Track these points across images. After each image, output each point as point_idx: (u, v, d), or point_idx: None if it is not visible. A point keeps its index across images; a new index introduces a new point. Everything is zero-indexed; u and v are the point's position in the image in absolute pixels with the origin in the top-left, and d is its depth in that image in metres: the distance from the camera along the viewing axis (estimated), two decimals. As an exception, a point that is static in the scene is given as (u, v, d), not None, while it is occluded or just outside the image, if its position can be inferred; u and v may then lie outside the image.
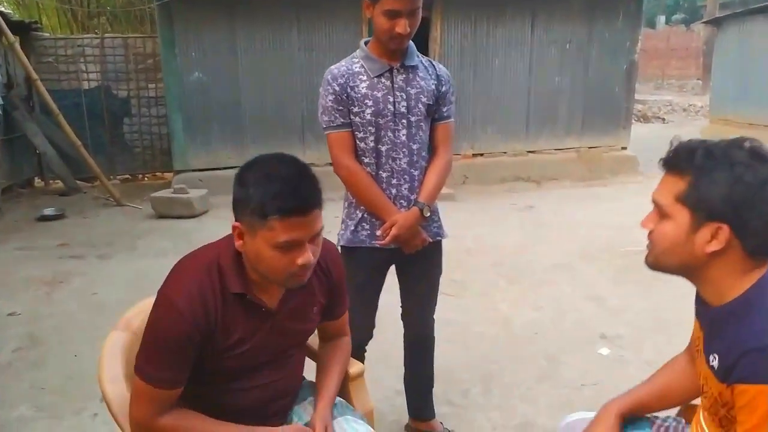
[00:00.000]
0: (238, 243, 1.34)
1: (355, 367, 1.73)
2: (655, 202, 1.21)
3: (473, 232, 5.54)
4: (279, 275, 1.33)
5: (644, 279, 4.21)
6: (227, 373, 1.42)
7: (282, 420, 1.56)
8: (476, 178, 7.68)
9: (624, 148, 8.29)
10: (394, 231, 2.02)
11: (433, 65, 2.14)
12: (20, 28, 7.36)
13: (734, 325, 1.14)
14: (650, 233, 1.23)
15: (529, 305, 3.86)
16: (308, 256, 1.32)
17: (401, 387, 2.55)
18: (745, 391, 1.07)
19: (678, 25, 26.22)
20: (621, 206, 6.37)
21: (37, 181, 7.99)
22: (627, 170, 8.08)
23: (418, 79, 2.05)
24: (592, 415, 1.53)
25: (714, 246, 1.13)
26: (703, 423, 1.30)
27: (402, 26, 1.91)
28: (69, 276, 4.49)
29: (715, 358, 1.16)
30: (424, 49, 7.46)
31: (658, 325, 3.49)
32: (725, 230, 1.11)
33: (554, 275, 4.40)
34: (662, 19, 27.96)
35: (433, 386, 2.51)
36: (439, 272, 2.34)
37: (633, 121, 10.91)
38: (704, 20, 16.48)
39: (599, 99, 8.04)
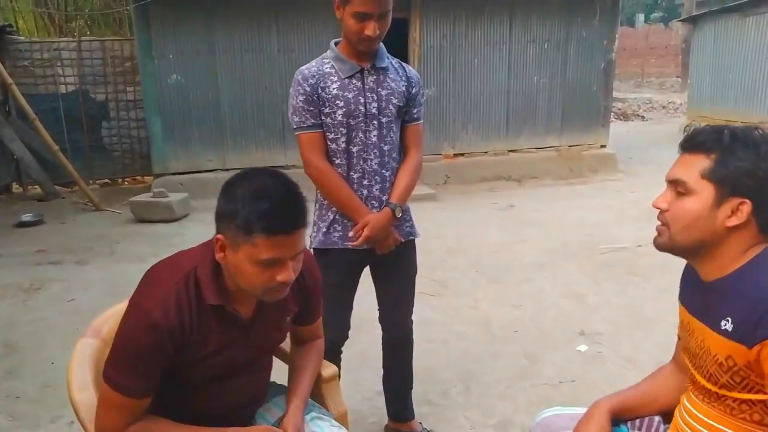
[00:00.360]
0: (219, 255, 1.33)
1: (328, 369, 1.73)
2: (675, 179, 1.25)
3: (454, 231, 5.57)
4: (257, 290, 1.34)
5: (622, 276, 4.28)
6: (199, 381, 1.42)
7: (247, 422, 1.55)
8: (457, 177, 7.71)
9: (603, 146, 8.36)
10: (366, 232, 2.03)
11: (403, 67, 2.16)
12: (-6, 32, 7.25)
13: (749, 285, 1.18)
14: (663, 213, 1.27)
15: (509, 304, 3.89)
16: (289, 274, 1.32)
17: (381, 388, 2.55)
18: None
19: (657, 24, 26.53)
20: (600, 204, 6.45)
21: (15, 187, 7.86)
22: (607, 168, 8.16)
23: (388, 80, 2.06)
24: (566, 410, 1.55)
25: (734, 221, 1.19)
26: (689, 405, 1.33)
27: (371, 29, 1.91)
28: (46, 282, 4.43)
29: (728, 321, 1.19)
30: (403, 50, 7.48)
31: (636, 321, 3.53)
32: (747, 205, 1.18)
33: (534, 273, 4.43)
34: (641, 17, 28.27)
35: (412, 387, 2.52)
36: (414, 272, 2.36)
37: (613, 118, 11.05)
38: (681, 18, 16.68)
39: (578, 98, 8.11)
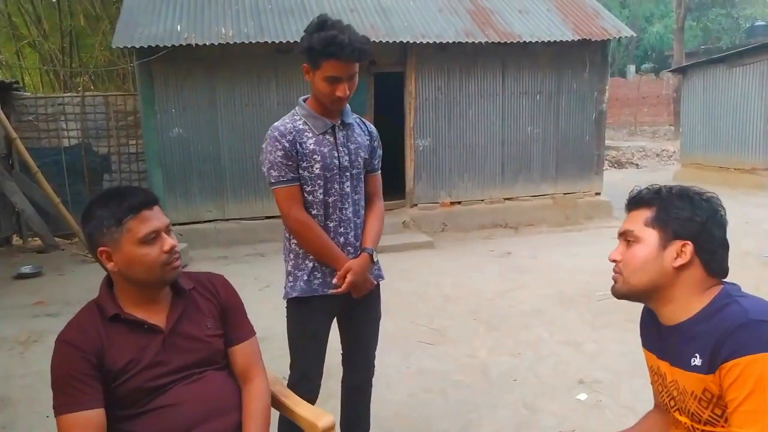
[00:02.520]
0: (109, 265, 1.52)
1: (324, 420, 1.72)
2: (623, 232, 1.40)
3: (452, 279, 5.59)
4: (155, 269, 1.52)
5: (620, 323, 4.28)
6: (142, 392, 1.51)
7: None
8: (455, 225, 7.78)
9: (598, 194, 8.47)
10: (350, 277, 2.12)
11: (364, 123, 2.32)
12: (0, 89, 7.45)
13: (710, 322, 1.26)
14: (618, 263, 1.40)
15: (507, 352, 3.88)
16: (170, 241, 1.55)
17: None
18: (735, 365, 1.17)
19: (648, 74, 27.12)
20: (597, 250, 6.44)
21: (16, 239, 7.92)
22: (602, 215, 8.24)
23: (355, 135, 2.22)
24: None
25: (680, 261, 1.31)
26: None
27: (342, 90, 2.04)
28: (43, 335, 4.42)
29: (696, 357, 1.27)
30: (400, 102, 7.68)
31: (634, 368, 3.51)
32: (690, 246, 1.32)
33: (532, 321, 4.43)
34: (632, 68, 28.95)
35: (369, 429, 2.50)
36: (380, 314, 2.42)
37: (608, 166, 11.21)
38: (671, 69, 17.12)
39: (571, 147, 8.26)
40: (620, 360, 3.67)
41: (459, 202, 7.97)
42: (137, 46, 6.47)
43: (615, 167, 14.77)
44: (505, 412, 3.09)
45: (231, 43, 6.73)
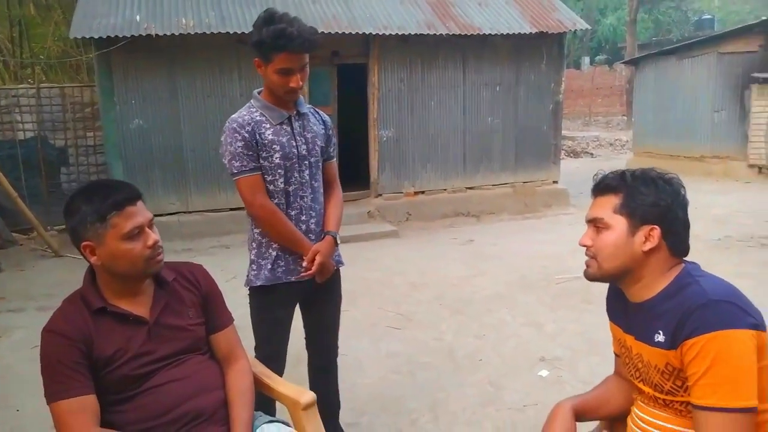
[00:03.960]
0: (93, 259, 1.57)
1: (307, 396, 1.82)
2: (593, 219, 1.48)
3: (417, 266, 5.72)
4: (138, 263, 1.57)
5: (578, 304, 4.49)
6: (130, 379, 1.57)
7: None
8: (418, 215, 7.92)
9: (555, 182, 8.73)
10: (319, 258, 2.22)
11: (318, 113, 2.39)
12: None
13: (673, 301, 1.37)
14: (589, 248, 1.48)
15: (472, 334, 4.03)
16: (154, 236, 1.59)
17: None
18: (694, 343, 1.29)
19: (602, 66, 27.82)
20: (555, 237, 6.72)
21: (-31, 236, 7.69)
22: (559, 203, 8.52)
23: (311, 124, 2.30)
24: None
25: (649, 245, 1.41)
26: (639, 413, 1.49)
27: (295, 81, 2.12)
28: (8, 330, 4.37)
29: (659, 334, 1.38)
30: (363, 94, 7.75)
31: (592, 346, 3.72)
32: (657, 230, 1.41)
33: (495, 305, 4.60)
34: (587, 60, 29.66)
35: (339, 410, 2.59)
36: (341, 298, 2.52)
37: (564, 156, 11.53)
38: (624, 60, 17.63)
39: (529, 137, 8.49)
40: (578, 339, 3.86)
41: (422, 192, 8.11)
42: (95, 37, 6.35)
43: (571, 157, 15.19)
44: (471, 390, 3.24)
45: (192, 33, 6.67)
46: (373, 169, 7.85)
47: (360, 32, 7.14)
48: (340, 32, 6.91)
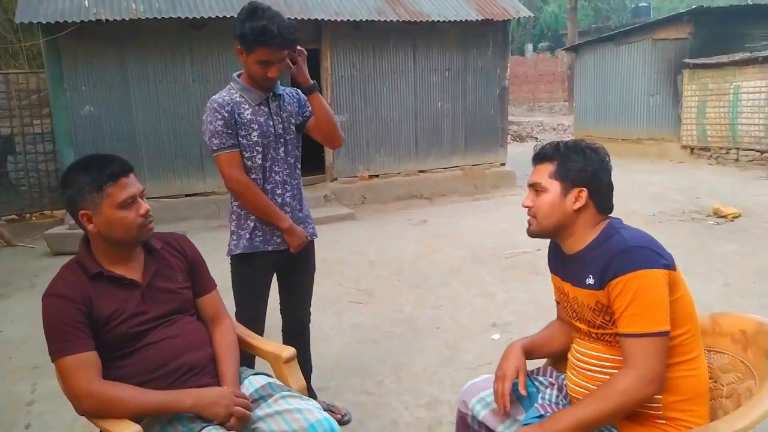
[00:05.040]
0: (90, 227, 1.70)
1: (287, 351, 2.01)
2: (533, 183, 1.72)
3: (374, 246, 5.94)
4: (132, 230, 1.72)
5: (526, 276, 4.82)
6: (128, 336, 1.72)
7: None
8: (373, 197, 8.14)
9: (503, 165, 9.11)
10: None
11: (297, 92, 2.55)
12: None
13: (600, 249, 1.63)
14: (530, 209, 1.73)
15: (429, 305, 4.29)
16: (145, 206, 1.74)
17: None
18: (618, 283, 1.54)
19: (544, 53, 28.59)
20: (503, 216, 7.06)
21: None
22: (507, 184, 8.90)
23: (285, 104, 2.47)
24: (483, 377, 1.93)
25: (578, 204, 1.66)
26: (578, 347, 1.74)
27: (273, 72, 2.30)
28: (-32, 317, 4.35)
29: (590, 278, 1.62)
30: (316, 78, 7.84)
31: (538, 312, 4.02)
32: (585, 192, 1.65)
33: (450, 278, 4.87)
34: (530, 47, 30.38)
35: (311, 373, 2.78)
36: (314, 269, 2.72)
37: (510, 140, 11.93)
38: (565, 47, 18.25)
39: (478, 121, 8.82)
40: (526, 305, 4.17)
41: (377, 176, 8.33)
42: (43, 22, 6.25)
43: (516, 141, 15.70)
44: (430, 353, 3.48)
45: (142, 18, 6.64)
46: (328, 154, 8.01)
47: (311, 18, 7.26)
48: (291, 18, 6.98)
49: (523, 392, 1.77)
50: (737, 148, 10.14)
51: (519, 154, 11.19)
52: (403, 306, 4.30)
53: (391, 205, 8.05)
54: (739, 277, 4.56)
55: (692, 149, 11.01)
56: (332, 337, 3.77)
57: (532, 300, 4.26)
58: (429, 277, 4.92)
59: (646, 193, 7.99)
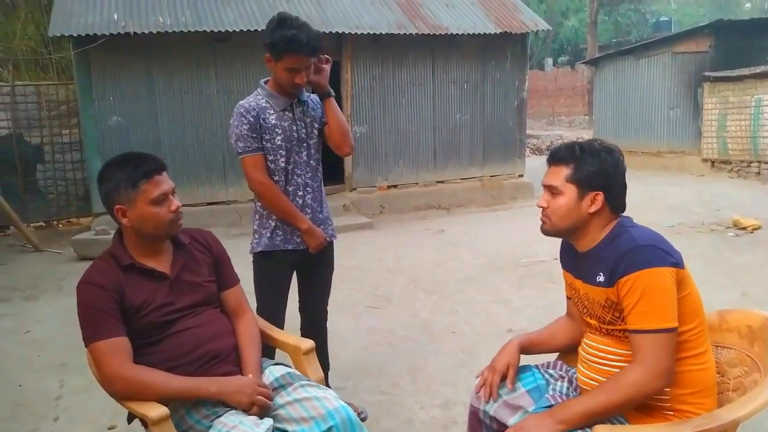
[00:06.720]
0: (124, 221, 1.81)
1: (306, 343, 2.09)
2: (548, 185, 1.76)
3: (392, 254, 6.02)
4: (162, 224, 1.81)
5: (541, 284, 4.85)
6: (156, 325, 1.81)
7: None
8: (391, 207, 8.23)
9: (521, 176, 9.14)
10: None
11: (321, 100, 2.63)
12: None
13: (609, 248, 1.67)
14: (545, 209, 1.77)
15: (445, 311, 4.34)
16: (176, 203, 1.85)
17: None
18: (627, 281, 1.58)
19: (564, 67, 28.57)
20: (521, 226, 7.08)
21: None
22: (524, 195, 8.92)
23: (309, 110, 2.57)
24: None
25: (594, 208, 1.70)
26: (588, 341, 1.79)
27: (301, 78, 2.40)
28: (-3, 318, 4.51)
29: (600, 275, 1.67)
30: (336, 90, 7.99)
31: (553, 318, 4.02)
32: (600, 195, 1.68)
33: (466, 285, 4.92)
34: (550, 61, 30.38)
35: (328, 371, 2.82)
36: (333, 269, 2.81)
37: (529, 153, 11.98)
38: (585, 61, 18.24)
39: (496, 132, 8.88)
40: (542, 312, 4.20)
41: (395, 186, 8.43)
42: (74, 35, 6.48)
43: (536, 154, 15.69)
44: (446, 357, 3.53)
45: (168, 31, 6.84)
46: (347, 164, 8.12)
47: (333, 31, 7.42)
48: (314, 31, 7.15)
49: (510, 387, 1.85)
50: (759, 162, 10.05)
51: (538, 168, 11.21)
52: (419, 311, 4.36)
53: (409, 215, 8.13)
54: (757, 287, 4.54)
55: (713, 162, 10.93)
56: (349, 339, 3.84)
57: (548, 307, 4.29)
58: (446, 284, 4.97)
59: (665, 205, 7.96)
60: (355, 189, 8.18)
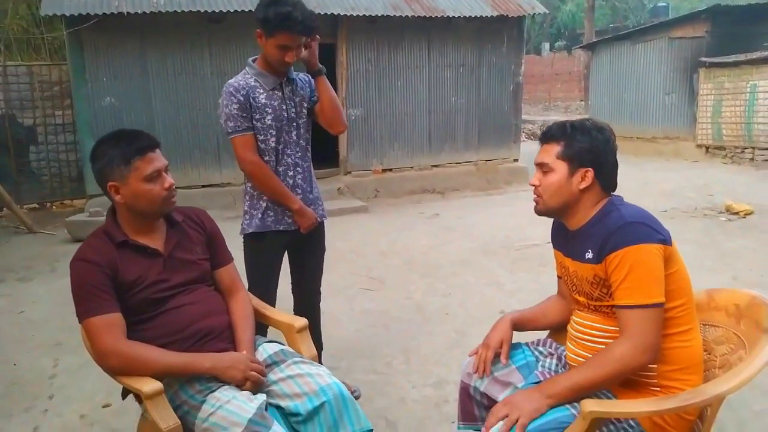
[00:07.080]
0: (117, 197, 1.80)
1: (299, 321, 2.10)
2: (540, 163, 1.77)
3: (387, 237, 6.03)
4: (156, 201, 1.81)
5: (534, 267, 4.88)
6: (150, 302, 1.82)
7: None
8: (386, 191, 8.23)
9: (516, 160, 9.15)
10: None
11: (309, 78, 2.63)
12: None
13: (599, 225, 1.69)
14: (537, 188, 1.78)
15: (439, 293, 4.36)
16: (169, 180, 1.84)
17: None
18: (615, 257, 1.60)
19: (561, 52, 28.45)
20: (515, 210, 7.11)
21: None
22: (519, 180, 8.94)
23: (298, 89, 2.55)
24: None
25: (584, 184, 1.71)
26: (577, 318, 1.81)
27: (291, 57, 2.38)
28: (-9, 298, 4.51)
29: (589, 252, 1.69)
30: (331, 73, 7.96)
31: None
32: (591, 172, 1.70)
33: (460, 268, 4.94)
34: (546, 46, 30.26)
35: (321, 351, 2.85)
36: (324, 249, 2.81)
37: (524, 138, 11.98)
38: (581, 45, 18.15)
39: (491, 116, 8.87)
40: (535, 294, 4.20)
41: (390, 170, 8.42)
42: (67, 14, 6.41)
43: (531, 139, 15.68)
44: (439, 338, 3.56)
45: (162, 11, 6.78)
46: (342, 147, 8.11)
47: (328, 13, 7.36)
48: (309, 13, 7.10)
49: (504, 362, 1.88)
50: (753, 147, 10.08)
51: (533, 152, 11.19)
52: (413, 293, 4.38)
53: (403, 198, 8.14)
54: (747, 271, 4.58)
55: (707, 148, 10.96)
56: (343, 321, 3.86)
57: (540, 290, 4.31)
58: (439, 267, 4.99)
59: (659, 190, 7.99)
60: (350, 172, 8.18)
